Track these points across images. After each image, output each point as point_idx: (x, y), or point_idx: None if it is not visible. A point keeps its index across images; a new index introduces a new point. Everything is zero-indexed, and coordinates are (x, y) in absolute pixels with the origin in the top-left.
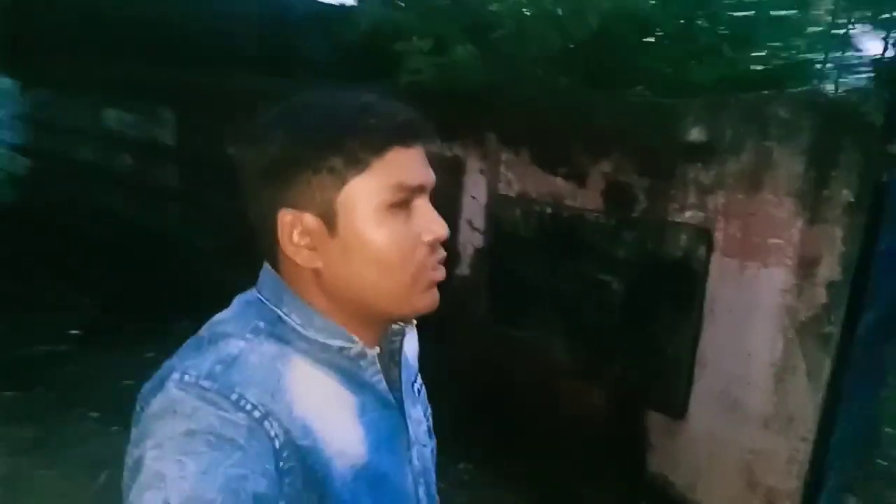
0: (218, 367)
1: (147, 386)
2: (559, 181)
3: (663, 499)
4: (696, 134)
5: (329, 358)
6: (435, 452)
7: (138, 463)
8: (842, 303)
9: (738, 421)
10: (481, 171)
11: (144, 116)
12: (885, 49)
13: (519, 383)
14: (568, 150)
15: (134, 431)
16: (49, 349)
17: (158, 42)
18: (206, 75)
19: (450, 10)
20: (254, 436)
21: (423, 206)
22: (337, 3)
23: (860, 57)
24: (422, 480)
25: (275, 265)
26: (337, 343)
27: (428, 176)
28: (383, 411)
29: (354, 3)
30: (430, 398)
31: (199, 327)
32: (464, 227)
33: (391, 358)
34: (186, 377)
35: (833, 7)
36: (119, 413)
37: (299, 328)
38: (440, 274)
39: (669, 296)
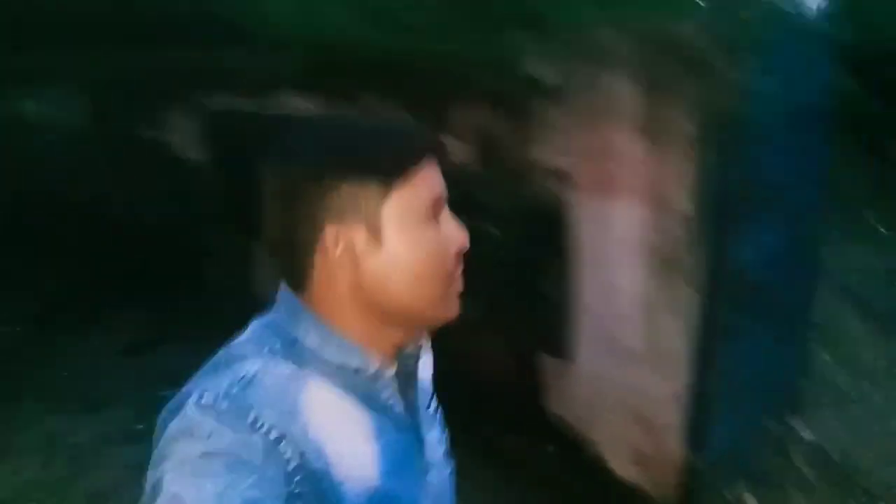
0: (234, 389)
1: (166, 408)
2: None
3: (565, 439)
4: (546, 75)
5: (345, 379)
6: (453, 476)
7: (157, 485)
8: (700, 237)
9: (620, 359)
10: None
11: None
12: None
13: None
14: (432, 100)
15: (153, 454)
16: None
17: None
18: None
19: None
20: (269, 458)
21: (447, 217)
22: None
23: None
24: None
25: (299, 285)
26: (354, 363)
27: (445, 188)
28: (399, 434)
29: None
30: None
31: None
32: None
33: (406, 380)
34: (204, 399)
35: None
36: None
37: (316, 349)
38: (461, 284)
39: (542, 241)
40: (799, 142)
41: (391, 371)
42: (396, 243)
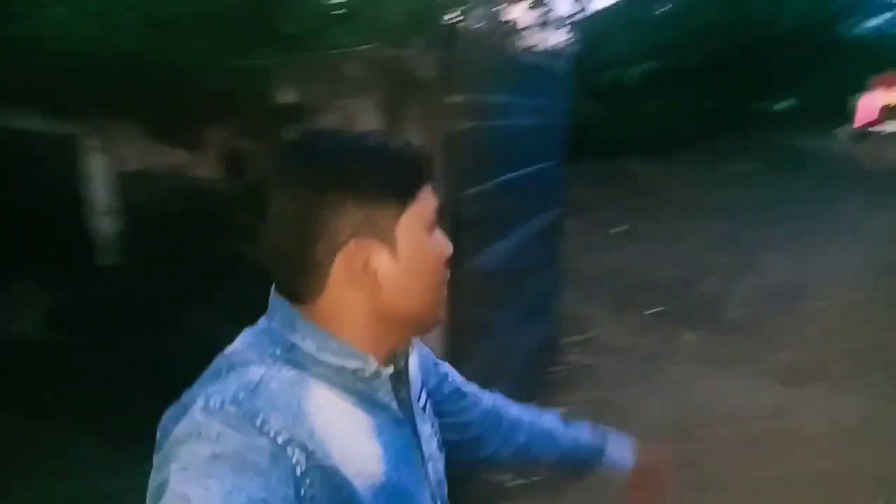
0: (242, 393)
1: (168, 414)
2: (181, 153)
3: None
4: (288, 95)
5: (344, 381)
6: (446, 465)
7: (162, 486)
8: None
9: None
10: (100, 149)
11: None
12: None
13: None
14: (184, 119)
15: (156, 458)
16: None
17: None
18: None
19: None
20: (276, 461)
21: (438, 229)
22: None
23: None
24: (438, 494)
25: (303, 297)
26: (353, 365)
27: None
28: (397, 430)
29: None
30: None
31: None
32: (90, 212)
33: (399, 378)
34: (211, 403)
35: None
36: None
37: (314, 353)
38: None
39: None
40: (532, 158)
41: (388, 371)
42: (410, 256)
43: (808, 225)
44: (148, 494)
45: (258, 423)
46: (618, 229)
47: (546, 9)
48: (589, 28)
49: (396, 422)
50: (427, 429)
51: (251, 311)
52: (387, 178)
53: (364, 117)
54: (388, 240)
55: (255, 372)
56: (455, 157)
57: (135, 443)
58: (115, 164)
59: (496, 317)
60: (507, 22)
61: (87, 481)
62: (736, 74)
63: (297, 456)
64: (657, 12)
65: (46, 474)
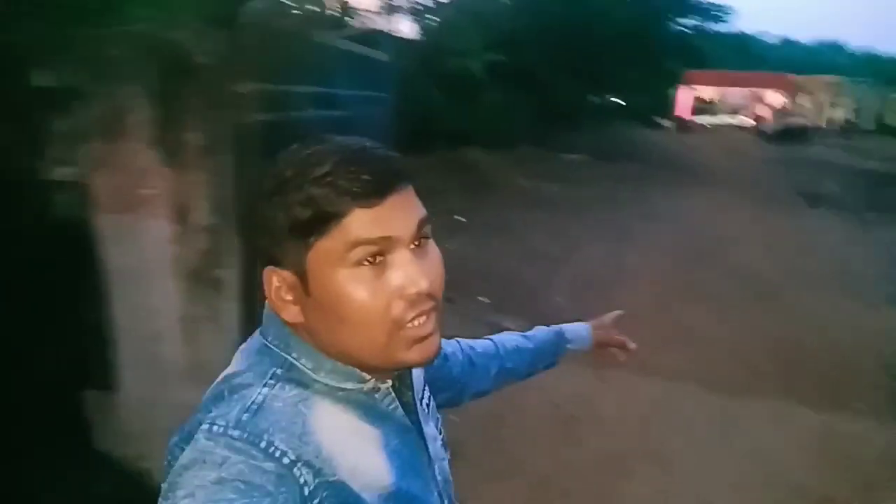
0: (245, 416)
1: (174, 440)
2: None
3: (121, 475)
4: (44, 78)
5: (346, 395)
6: (451, 464)
7: None
8: (231, 247)
9: (164, 380)
10: None
11: None
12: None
13: None
14: None
15: (164, 486)
16: None
17: None
18: None
19: None
20: (283, 483)
21: (399, 258)
22: None
23: None
24: (445, 493)
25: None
26: (349, 385)
27: (402, 226)
28: (404, 437)
29: None
30: None
31: None
32: None
33: (401, 382)
34: (215, 428)
35: None
36: None
37: (310, 372)
38: (426, 329)
39: (68, 264)
40: None
41: (388, 383)
42: (323, 291)
43: (627, 215)
44: None
45: (263, 444)
46: (459, 218)
47: None
48: (437, 17)
49: (403, 429)
50: (432, 430)
51: None
52: (288, 208)
53: (135, 106)
54: (299, 272)
55: (257, 393)
56: (247, 153)
57: None
58: None
59: None
60: (331, 6)
61: None
62: (572, 69)
63: (304, 476)
64: (501, 2)
65: None
